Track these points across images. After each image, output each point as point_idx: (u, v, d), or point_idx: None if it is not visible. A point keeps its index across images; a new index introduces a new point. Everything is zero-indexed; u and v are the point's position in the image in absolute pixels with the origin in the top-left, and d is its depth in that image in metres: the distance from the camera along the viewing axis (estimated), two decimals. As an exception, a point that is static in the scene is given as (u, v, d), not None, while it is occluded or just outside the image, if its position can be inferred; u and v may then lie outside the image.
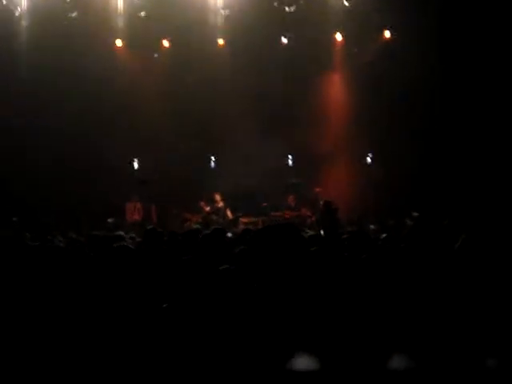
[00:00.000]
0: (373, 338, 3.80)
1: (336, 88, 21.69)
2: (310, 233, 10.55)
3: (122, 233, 9.48)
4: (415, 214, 17.10)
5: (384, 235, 9.36)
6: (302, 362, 3.26)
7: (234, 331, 3.40)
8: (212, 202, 20.19)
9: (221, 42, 21.24)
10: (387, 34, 20.97)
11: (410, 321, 4.90)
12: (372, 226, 16.51)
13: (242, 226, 17.98)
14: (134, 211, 20.33)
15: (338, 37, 21.28)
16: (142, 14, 20.26)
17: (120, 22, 20.70)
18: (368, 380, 3.37)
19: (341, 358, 3.36)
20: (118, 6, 20.42)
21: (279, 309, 3.35)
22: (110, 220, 19.05)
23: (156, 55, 21.76)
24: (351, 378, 3.33)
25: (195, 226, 16.92)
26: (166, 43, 21.42)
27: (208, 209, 20.12)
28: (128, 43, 21.22)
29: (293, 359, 3.26)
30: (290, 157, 22.15)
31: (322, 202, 18.72)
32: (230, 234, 9.59)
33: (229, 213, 20.10)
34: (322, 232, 14.52)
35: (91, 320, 5.34)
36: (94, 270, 6.47)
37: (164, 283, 5.86)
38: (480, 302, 4.39)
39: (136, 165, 22.30)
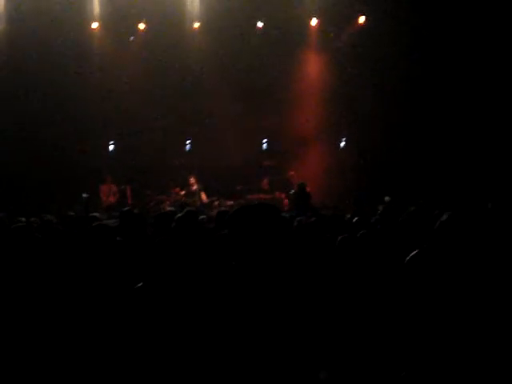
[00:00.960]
0: (354, 320, 3.87)
1: (311, 72, 21.74)
2: (285, 215, 10.68)
3: (96, 214, 9.54)
4: (387, 198, 17.26)
5: (356, 218, 9.47)
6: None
7: (214, 313, 3.42)
8: (187, 184, 20.24)
9: (196, 25, 21.25)
10: (362, 19, 21.07)
11: (386, 302, 5.00)
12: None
13: (216, 210, 18.07)
14: (109, 193, 20.31)
15: (314, 22, 21.37)
16: (118, -4, 20.18)
17: (96, 4, 20.62)
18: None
19: (324, 342, 3.40)
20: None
21: (260, 289, 3.38)
22: (84, 195, 19.04)
23: (132, 38, 21.70)
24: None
25: (169, 209, 16.97)
26: (141, 26, 21.38)
27: (183, 192, 20.19)
28: (104, 25, 21.15)
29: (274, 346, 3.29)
30: (264, 140, 22.26)
31: (296, 185, 18.88)
32: (203, 216, 9.67)
33: (203, 196, 20.16)
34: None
35: (68, 301, 5.41)
36: (70, 251, 6.54)
37: (139, 264, 5.94)
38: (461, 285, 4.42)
39: (112, 146, 22.31)
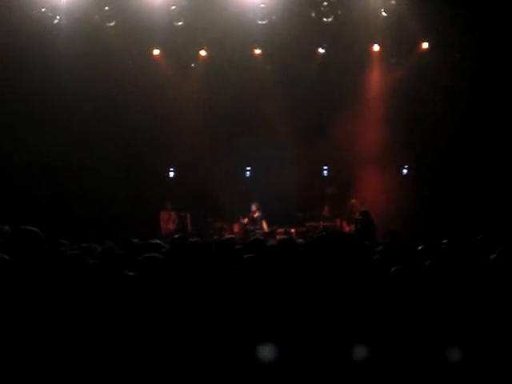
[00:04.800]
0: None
1: (373, 98, 21.48)
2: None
3: (158, 241, 9.44)
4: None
5: (420, 247, 9.20)
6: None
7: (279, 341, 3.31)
8: (248, 212, 20.17)
9: (258, 51, 21.22)
10: (425, 45, 20.79)
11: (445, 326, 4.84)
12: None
13: (278, 237, 17.95)
14: (168, 220, 20.33)
15: (376, 48, 21.15)
16: (180, 23, 20.23)
17: (157, 32, 20.73)
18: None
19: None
20: (156, 15, 20.45)
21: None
22: None
23: (193, 65, 21.80)
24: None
25: (230, 236, 16.91)
26: (203, 53, 21.44)
27: (246, 220, 20.14)
28: (165, 52, 21.30)
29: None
30: (325, 167, 22.06)
31: (359, 213, 18.62)
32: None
33: (265, 224, 20.06)
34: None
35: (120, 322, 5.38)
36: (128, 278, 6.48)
37: (195, 291, 5.83)
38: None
39: (172, 173, 22.37)
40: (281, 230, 19.87)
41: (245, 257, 6.38)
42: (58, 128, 19.75)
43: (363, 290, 3.21)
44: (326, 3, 19.60)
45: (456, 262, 7.57)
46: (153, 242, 9.49)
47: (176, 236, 8.40)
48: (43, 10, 19.95)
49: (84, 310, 5.45)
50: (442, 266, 6.94)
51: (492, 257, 6.56)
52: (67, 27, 20.21)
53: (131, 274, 6.30)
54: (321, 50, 21.29)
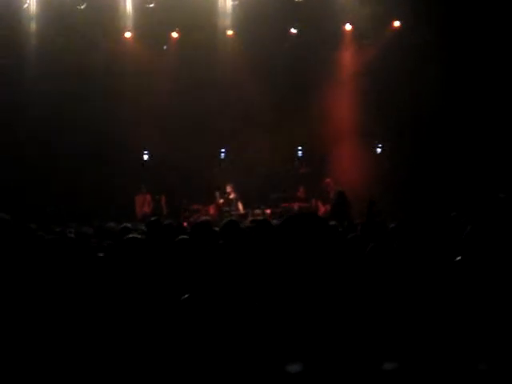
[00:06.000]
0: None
1: (346, 78, 21.50)
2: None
3: (129, 225, 9.41)
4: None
5: (392, 225, 9.23)
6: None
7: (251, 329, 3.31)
8: (224, 193, 20.16)
9: (230, 32, 21.17)
10: (397, 23, 20.83)
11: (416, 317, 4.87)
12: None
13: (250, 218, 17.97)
14: (143, 203, 20.31)
15: (348, 27, 21.17)
16: (151, 5, 20.17)
17: (129, 14, 20.64)
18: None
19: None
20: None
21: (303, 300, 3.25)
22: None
23: (165, 47, 21.70)
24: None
25: (205, 218, 16.91)
26: (175, 34, 21.36)
27: (221, 201, 20.13)
28: (137, 35, 21.18)
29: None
30: (300, 148, 22.07)
31: (334, 193, 18.65)
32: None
33: (240, 206, 20.06)
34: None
35: (97, 313, 5.33)
36: (102, 264, 6.46)
37: (174, 275, 5.84)
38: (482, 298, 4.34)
39: (146, 156, 22.28)
40: (257, 212, 19.88)
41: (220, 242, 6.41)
42: (28, 113, 19.65)
43: (332, 270, 3.23)
44: (297, -18, 19.66)
45: (428, 239, 7.61)
46: (123, 225, 9.44)
47: (152, 219, 8.40)
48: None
49: (58, 295, 5.44)
50: (413, 244, 6.98)
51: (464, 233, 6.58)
52: (37, 11, 20.10)
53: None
54: (293, 30, 21.25)
